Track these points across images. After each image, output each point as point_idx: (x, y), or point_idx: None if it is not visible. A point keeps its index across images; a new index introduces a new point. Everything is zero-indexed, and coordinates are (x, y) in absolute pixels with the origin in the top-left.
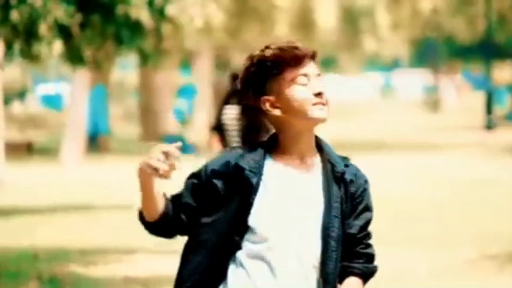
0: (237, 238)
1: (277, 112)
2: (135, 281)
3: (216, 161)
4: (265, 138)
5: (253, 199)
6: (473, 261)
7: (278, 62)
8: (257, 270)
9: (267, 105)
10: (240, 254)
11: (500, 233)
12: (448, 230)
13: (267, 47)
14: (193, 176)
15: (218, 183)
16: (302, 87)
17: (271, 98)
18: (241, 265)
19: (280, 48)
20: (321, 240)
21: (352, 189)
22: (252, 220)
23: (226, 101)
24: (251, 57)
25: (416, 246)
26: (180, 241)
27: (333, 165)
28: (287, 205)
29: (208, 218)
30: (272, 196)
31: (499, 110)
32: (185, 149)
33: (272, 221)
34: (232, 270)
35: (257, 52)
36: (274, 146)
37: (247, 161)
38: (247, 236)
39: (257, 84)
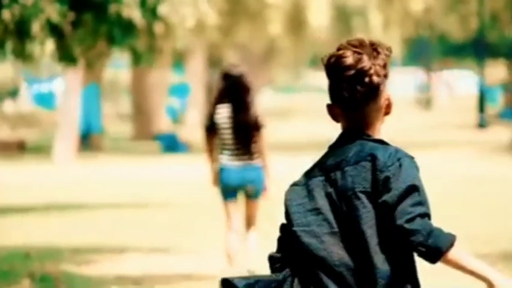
0: None
1: (386, 113)
2: (127, 279)
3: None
4: (255, 136)
5: None
6: None
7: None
8: None
9: (385, 105)
10: None
11: (492, 231)
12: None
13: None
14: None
15: None
16: None
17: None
18: None
19: None
20: None
21: None
22: None
23: (219, 100)
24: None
25: None
26: (172, 240)
27: None
28: None
29: None
30: None
31: (491, 109)
32: (178, 147)
33: None
34: None
35: (386, 47)
36: None
37: None
38: None
39: (385, 80)
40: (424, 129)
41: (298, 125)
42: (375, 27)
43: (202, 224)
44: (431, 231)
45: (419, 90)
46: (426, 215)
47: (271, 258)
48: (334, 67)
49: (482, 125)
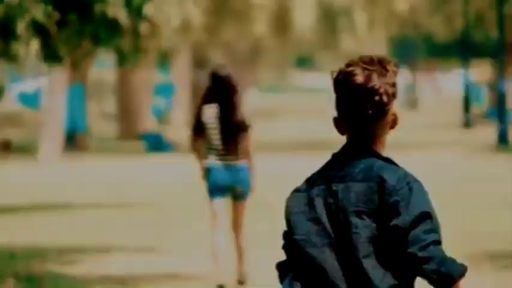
0: None
1: (391, 127)
2: (112, 279)
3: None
4: (242, 136)
5: None
6: None
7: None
8: None
9: (391, 120)
10: None
11: (478, 230)
12: None
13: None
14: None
15: None
16: None
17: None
18: None
19: None
20: None
21: None
22: None
23: (206, 100)
24: (395, 68)
25: None
26: (157, 240)
27: None
28: None
29: None
30: None
31: (477, 108)
32: (163, 147)
33: None
34: None
35: (393, 63)
36: None
37: None
38: None
39: (393, 99)
40: (410, 130)
41: (284, 125)
42: (360, 27)
43: (187, 223)
44: (444, 259)
45: (405, 90)
46: (439, 243)
47: (279, 266)
48: (343, 84)
49: (468, 124)
